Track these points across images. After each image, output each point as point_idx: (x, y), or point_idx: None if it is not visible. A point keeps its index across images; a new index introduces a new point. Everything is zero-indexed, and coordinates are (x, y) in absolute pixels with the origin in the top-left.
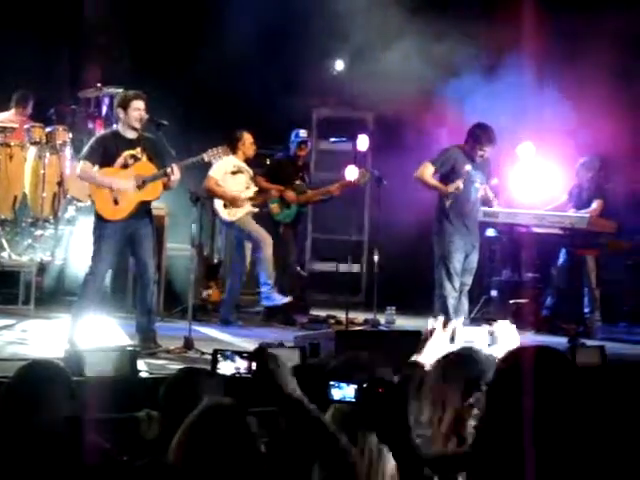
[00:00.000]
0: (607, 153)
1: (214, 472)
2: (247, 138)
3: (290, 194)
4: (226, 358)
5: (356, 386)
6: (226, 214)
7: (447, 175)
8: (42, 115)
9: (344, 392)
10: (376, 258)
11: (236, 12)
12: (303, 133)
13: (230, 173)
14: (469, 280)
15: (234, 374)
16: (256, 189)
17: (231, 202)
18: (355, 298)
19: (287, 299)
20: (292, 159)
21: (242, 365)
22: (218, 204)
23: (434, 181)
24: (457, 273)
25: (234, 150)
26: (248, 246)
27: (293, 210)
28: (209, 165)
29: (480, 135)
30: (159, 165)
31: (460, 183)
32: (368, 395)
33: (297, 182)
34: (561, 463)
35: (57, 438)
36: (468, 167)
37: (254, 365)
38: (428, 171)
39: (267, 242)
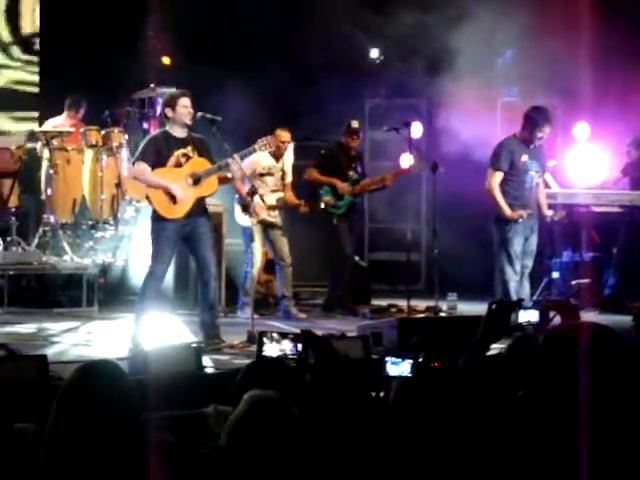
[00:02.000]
0: None
1: (260, 463)
2: (279, 135)
3: (342, 185)
4: (272, 340)
5: (412, 361)
6: (239, 216)
7: (507, 170)
8: (97, 118)
9: (400, 368)
10: (435, 245)
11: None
12: (355, 123)
13: (259, 175)
14: (530, 263)
15: (280, 356)
16: (281, 195)
17: (245, 207)
18: (416, 286)
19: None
20: (345, 150)
21: (287, 347)
22: (238, 203)
23: (503, 202)
24: (517, 257)
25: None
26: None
27: (346, 201)
28: None
29: (537, 117)
30: (212, 161)
31: (524, 214)
32: (424, 370)
33: (350, 173)
34: (614, 446)
35: (117, 436)
36: (524, 158)
37: (300, 346)
38: (497, 180)
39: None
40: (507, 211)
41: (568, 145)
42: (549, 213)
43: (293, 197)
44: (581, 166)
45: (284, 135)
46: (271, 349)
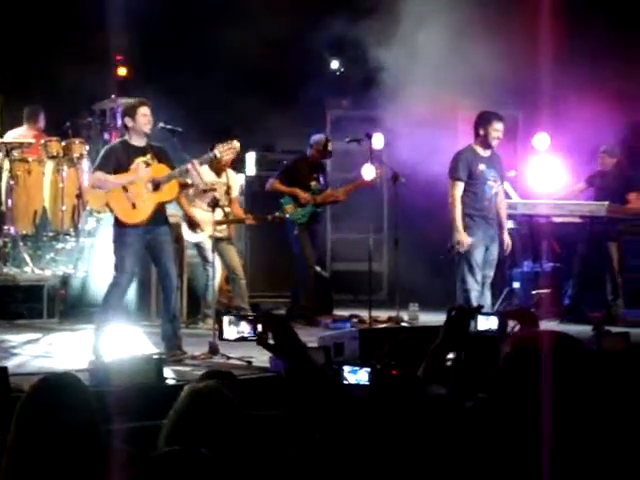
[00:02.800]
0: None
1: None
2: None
3: (304, 195)
4: (230, 323)
5: (369, 369)
6: (187, 233)
7: (466, 180)
8: (58, 129)
9: (358, 376)
10: (396, 256)
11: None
12: (330, 145)
13: (201, 191)
14: (491, 272)
15: (238, 338)
16: (228, 211)
17: (191, 224)
18: (377, 296)
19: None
20: (308, 161)
21: (246, 329)
22: (184, 219)
23: (459, 221)
24: (479, 266)
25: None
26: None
27: (308, 210)
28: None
29: (486, 118)
30: (172, 168)
31: (467, 243)
32: (382, 378)
33: (312, 183)
34: (580, 450)
35: (77, 448)
36: (482, 167)
37: (259, 327)
38: (459, 190)
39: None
40: (460, 235)
41: (528, 155)
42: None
43: (240, 211)
44: (541, 176)
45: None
46: (230, 332)
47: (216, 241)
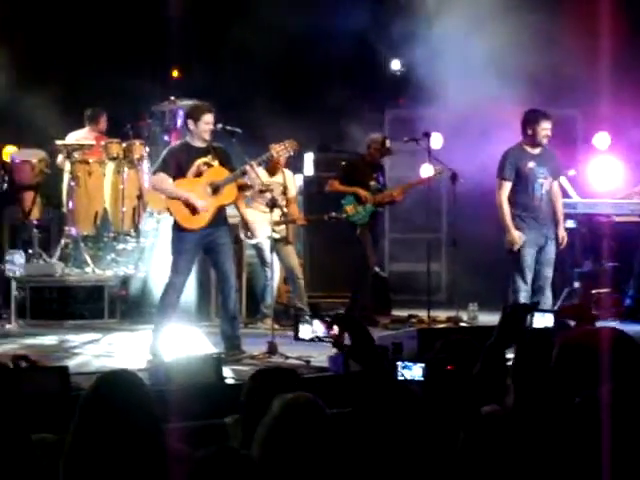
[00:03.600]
0: None
1: (295, 467)
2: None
3: (365, 194)
4: (304, 322)
5: (424, 365)
6: (243, 234)
7: (514, 179)
8: (119, 131)
9: (412, 372)
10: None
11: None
12: (388, 142)
13: (258, 191)
14: (549, 272)
15: (313, 338)
16: (285, 211)
17: (244, 226)
18: (436, 296)
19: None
20: (366, 161)
21: (320, 329)
22: (241, 221)
23: (509, 221)
24: (528, 267)
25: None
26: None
27: (368, 210)
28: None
29: (532, 117)
30: (232, 170)
31: (519, 242)
32: (436, 373)
33: (372, 182)
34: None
35: (136, 446)
36: (531, 165)
37: (335, 329)
38: (505, 191)
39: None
40: (511, 234)
41: (588, 155)
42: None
43: (296, 211)
44: (601, 176)
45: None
46: (304, 331)
47: (274, 242)
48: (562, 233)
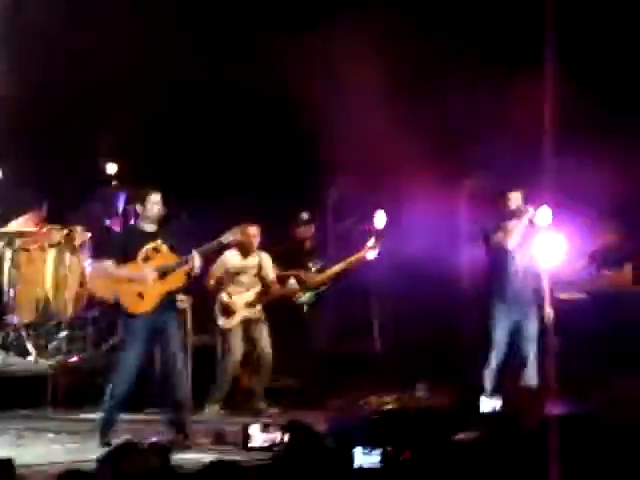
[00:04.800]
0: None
1: None
2: (247, 233)
3: (309, 275)
4: (259, 431)
5: (381, 451)
6: (221, 319)
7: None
8: (58, 217)
9: (370, 458)
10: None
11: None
12: (305, 215)
13: (232, 274)
14: (529, 349)
15: (268, 446)
16: (259, 290)
17: (222, 310)
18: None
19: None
20: (299, 244)
21: (276, 437)
22: (217, 305)
23: None
24: (497, 344)
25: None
26: None
27: (312, 291)
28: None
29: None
30: (181, 255)
31: None
32: (393, 460)
33: (310, 264)
34: None
35: None
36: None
37: (286, 437)
38: None
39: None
40: None
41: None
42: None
43: (279, 290)
44: (544, 252)
45: (252, 230)
46: (258, 439)
47: (249, 322)
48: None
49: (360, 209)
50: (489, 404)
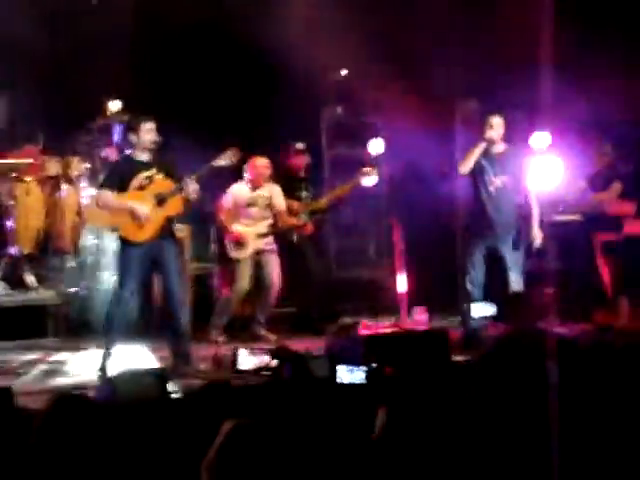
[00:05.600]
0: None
1: None
2: (256, 164)
3: (293, 203)
4: (247, 354)
5: (365, 368)
6: (232, 250)
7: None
8: (55, 147)
9: (354, 375)
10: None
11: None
12: (299, 145)
13: (243, 206)
14: (511, 276)
15: (255, 369)
16: (270, 221)
17: (234, 241)
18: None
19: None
20: (293, 173)
21: (263, 361)
22: (228, 237)
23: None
24: (473, 266)
25: (243, 176)
26: None
27: (304, 220)
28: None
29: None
30: (176, 182)
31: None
32: (377, 377)
33: (303, 193)
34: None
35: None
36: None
37: (274, 362)
38: None
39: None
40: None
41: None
42: None
43: (289, 221)
44: (541, 176)
45: (261, 162)
46: (246, 362)
47: (260, 252)
48: None
49: (354, 136)
50: (480, 309)
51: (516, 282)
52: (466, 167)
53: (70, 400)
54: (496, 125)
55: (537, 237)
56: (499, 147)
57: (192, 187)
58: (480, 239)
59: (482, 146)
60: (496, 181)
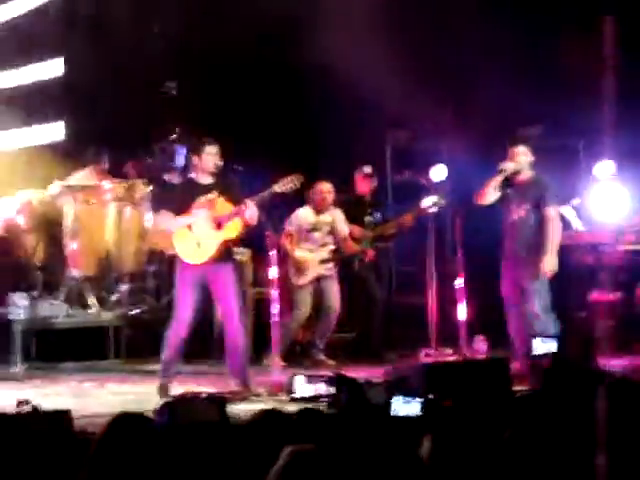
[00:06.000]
0: None
1: None
2: (321, 189)
3: (354, 228)
4: (305, 382)
5: (422, 400)
6: (293, 275)
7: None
8: (119, 170)
9: (409, 408)
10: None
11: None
12: (367, 169)
13: (305, 231)
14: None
15: (312, 396)
16: (332, 247)
17: (295, 267)
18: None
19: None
20: (358, 197)
21: (321, 388)
22: (290, 262)
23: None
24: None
25: (307, 201)
26: None
27: (365, 246)
28: (290, 201)
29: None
30: (237, 206)
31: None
32: (434, 409)
33: (366, 218)
34: None
35: None
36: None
37: (331, 389)
38: None
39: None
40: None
41: (591, 184)
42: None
43: (352, 247)
44: (606, 205)
45: (325, 187)
46: (303, 389)
47: (320, 278)
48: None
49: (418, 162)
50: (543, 346)
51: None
52: (485, 199)
53: (129, 420)
54: (516, 154)
55: (544, 266)
56: (523, 176)
57: (251, 211)
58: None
59: (501, 176)
60: (518, 210)
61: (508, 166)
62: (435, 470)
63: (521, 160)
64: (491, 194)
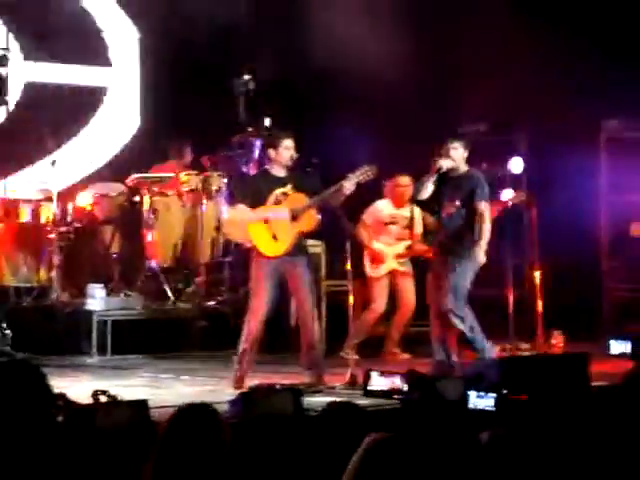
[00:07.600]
0: None
1: None
2: (398, 183)
3: (429, 219)
4: (380, 375)
5: (496, 395)
6: (368, 267)
7: None
8: (196, 162)
9: (484, 401)
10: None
11: None
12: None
13: (383, 224)
14: None
15: (387, 390)
16: (408, 243)
17: (371, 259)
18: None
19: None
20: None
21: (396, 383)
22: (366, 253)
23: None
24: None
25: (385, 194)
26: None
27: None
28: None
29: None
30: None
31: None
32: (508, 403)
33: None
34: None
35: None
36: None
37: (405, 385)
38: None
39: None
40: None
41: None
42: None
43: (421, 247)
44: None
45: (404, 180)
46: (378, 384)
47: (396, 273)
48: None
49: (496, 154)
50: (618, 347)
51: None
52: (419, 194)
53: (194, 411)
54: (450, 150)
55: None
56: (457, 172)
57: (325, 204)
58: None
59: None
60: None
61: (444, 163)
62: (497, 460)
63: (455, 156)
64: (427, 189)
